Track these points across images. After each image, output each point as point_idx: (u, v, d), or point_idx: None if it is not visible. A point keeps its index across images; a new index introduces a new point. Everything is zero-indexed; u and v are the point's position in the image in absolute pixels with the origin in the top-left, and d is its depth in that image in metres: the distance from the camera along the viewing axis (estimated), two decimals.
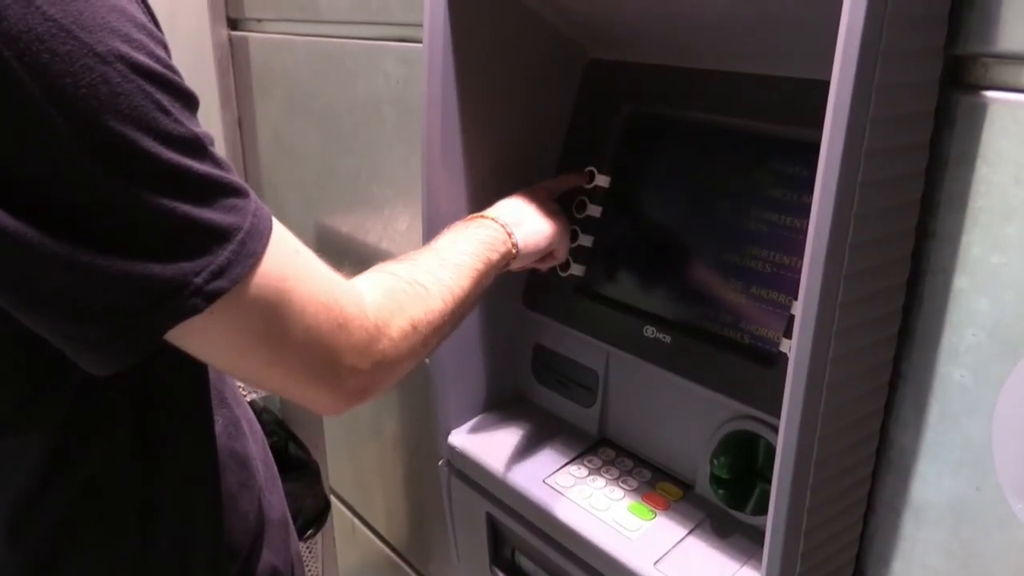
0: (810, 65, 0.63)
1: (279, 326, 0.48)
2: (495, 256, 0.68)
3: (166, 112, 0.42)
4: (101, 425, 0.54)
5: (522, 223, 0.74)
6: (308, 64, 1.32)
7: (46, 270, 0.41)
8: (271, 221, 0.49)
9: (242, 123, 1.60)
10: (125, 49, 0.40)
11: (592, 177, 0.83)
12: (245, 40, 1.50)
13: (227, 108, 1.59)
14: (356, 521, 1.57)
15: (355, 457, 1.52)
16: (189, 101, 0.45)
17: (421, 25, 0.78)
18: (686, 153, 0.79)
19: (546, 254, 0.78)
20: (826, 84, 0.50)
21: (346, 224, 1.34)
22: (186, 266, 0.43)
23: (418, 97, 0.79)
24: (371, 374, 0.53)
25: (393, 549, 1.49)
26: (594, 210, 0.83)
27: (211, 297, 0.44)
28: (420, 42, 0.79)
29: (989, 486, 0.57)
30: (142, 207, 0.41)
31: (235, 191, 0.46)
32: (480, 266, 0.66)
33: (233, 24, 1.53)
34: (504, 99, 0.83)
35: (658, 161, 0.81)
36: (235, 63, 1.55)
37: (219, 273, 0.44)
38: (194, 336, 0.46)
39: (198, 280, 0.43)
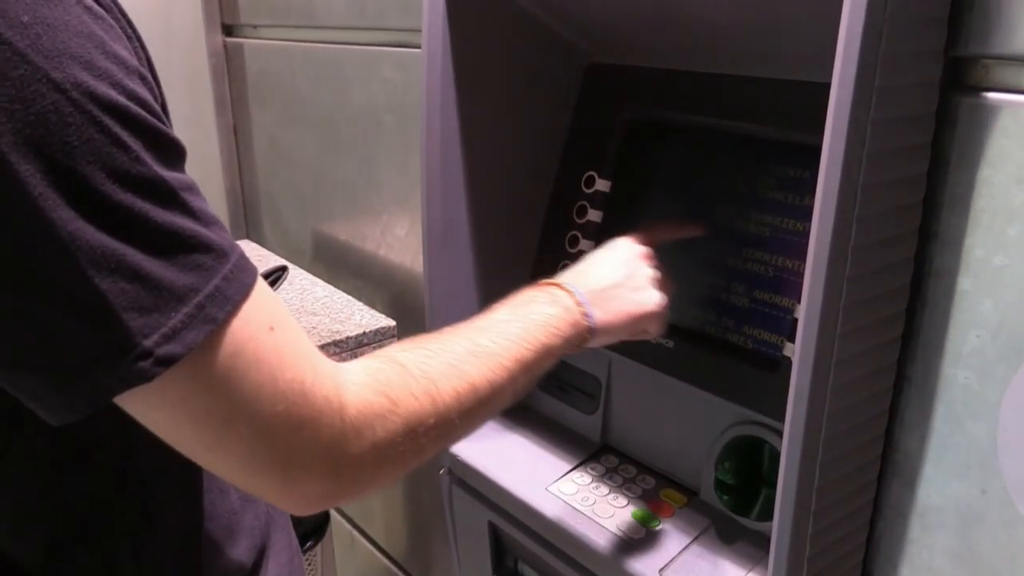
0: (811, 68, 0.63)
1: (224, 408, 0.42)
2: (555, 341, 0.57)
3: (125, 149, 0.38)
4: (89, 448, 0.51)
5: (608, 297, 0.62)
6: (304, 70, 1.32)
7: None
8: (248, 289, 0.43)
9: (237, 130, 1.60)
10: (84, 77, 0.37)
11: (594, 182, 0.83)
12: (240, 47, 1.49)
13: (222, 115, 1.59)
14: (355, 533, 1.57)
15: None
16: (161, 143, 0.41)
17: (419, 31, 0.77)
18: (687, 157, 0.78)
19: (637, 332, 0.67)
20: (827, 87, 0.49)
21: (344, 231, 1.34)
22: (134, 324, 0.38)
23: (416, 103, 0.79)
24: (335, 480, 0.46)
25: (393, 561, 1.48)
26: (595, 215, 0.83)
27: (163, 362, 0.39)
28: (418, 48, 0.79)
29: (995, 488, 0.57)
30: (87, 249, 0.37)
31: (203, 248, 0.41)
32: (528, 354, 0.55)
33: (228, 31, 1.53)
34: (504, 104, 0.83)
35: (659, 165, 0.81)
36: (230, 70, 1.55)
37: (170, 336, 0.39)
38: (136, 402, 0.41)
39: (147, 343, 0.39)
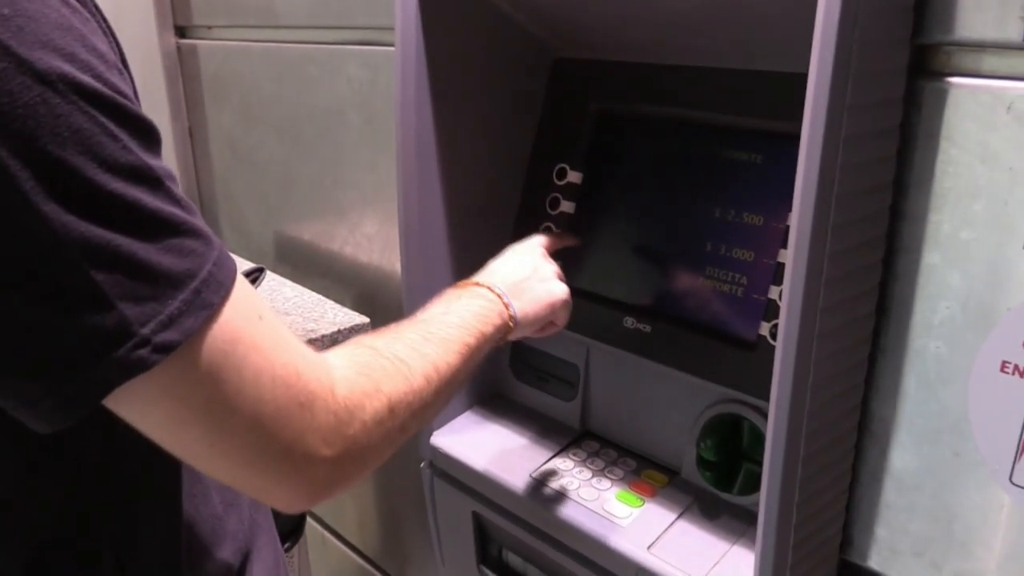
0: (775, 59, 0.66)
1: (224, 397, 0.42)
2: (489, 329, 0.62)
3: (113, 137, 0.38)
4: (72, 455, 0.50)
5: (520, 291, 0.68)
6: (265, 71, 1.30)
7: None
8: (235, 276, 0.43)
9: (193, 133, 1.57)
10: (68, 69, 0.37)
11: (565, 174, 0.85)
12: (194, 48, 1.47)
13: (177, 119, 1.56)
14: (326, 534, 1.55)
15: None
16: (144, 131, 0.41)
17: (384, 28, 0.78)
18: (656, 148, 0.80)
19: (547, 322, 0.72)
20: (791, 76, 0.52)
21: (309, 231, 1.33)
22: (130, 313, 0.38)
23: (382, 100, 0.79)
24: (338, 463, 0.46)
25: (367, 559, 1.47)
26: (567, 206, 0.85)
27: (162, 350, 0.39)
28: (384, 45, 0.79)
29: (967, 451, 0.60)
30: (80, 241, 0.37)
31: (193, 234, 0.41)
32: (471, 340, 0.60)
33: (181, 32, 1.50)
34: (476, 99, 0.84)
35: (629, 157, 0.83)
36: (184, 72, 1.52)
37: (168, 324, 0.39)
38: (131, 400, 0.40)
39: (145, 331, 0.38)
